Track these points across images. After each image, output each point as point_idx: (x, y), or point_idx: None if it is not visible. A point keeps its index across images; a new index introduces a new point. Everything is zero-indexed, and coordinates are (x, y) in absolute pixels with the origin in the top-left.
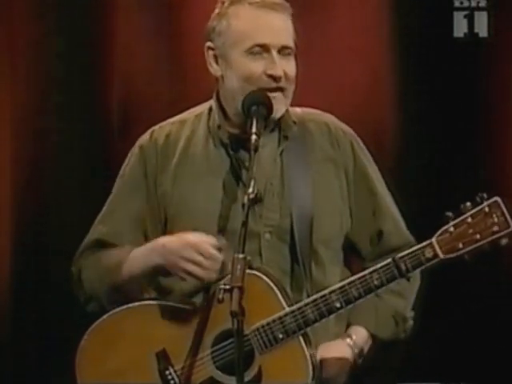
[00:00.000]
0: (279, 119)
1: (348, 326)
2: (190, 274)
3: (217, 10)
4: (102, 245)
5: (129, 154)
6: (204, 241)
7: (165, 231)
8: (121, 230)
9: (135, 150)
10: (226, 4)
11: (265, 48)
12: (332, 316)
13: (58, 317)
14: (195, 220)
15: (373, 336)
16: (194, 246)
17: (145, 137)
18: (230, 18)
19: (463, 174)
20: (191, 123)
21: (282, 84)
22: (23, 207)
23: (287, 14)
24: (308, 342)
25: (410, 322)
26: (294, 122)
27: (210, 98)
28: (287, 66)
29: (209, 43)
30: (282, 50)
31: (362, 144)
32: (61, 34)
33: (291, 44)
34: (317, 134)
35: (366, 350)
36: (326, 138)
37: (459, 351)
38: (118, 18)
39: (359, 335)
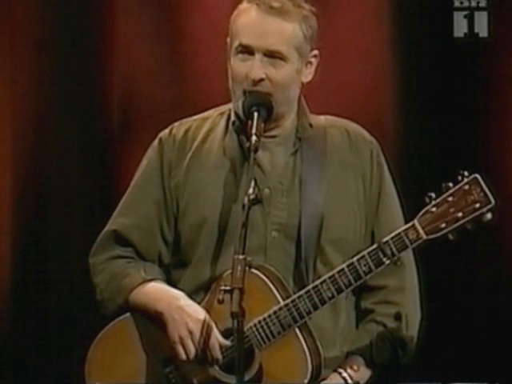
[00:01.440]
0: (298, 120)
1: (346, 355)
2: (182, 344)
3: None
4: (118, 239)
5: (148, 149)
6: (216, 337)
7: (176, 226)
8: (138, 222)
9: (154, 143)
10: (243, 3)
11: (249, 49)
12: (325, 306)
13: (58, 317)
14: (204, 212)
15: (370, 362)
16: (209, 328)
17: (165, 131)
18: (235, 18)
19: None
20: (212, 120)
21: (265, 88)
22: (23, 207)
23: (293, 20)
24: (306, 332)
25: (412, 345)
26: (311, 125)
27: (210, 98)
28: (274, 72)
29: (228, 39)
30: (269, 53)
31: (381, 154)
32: (61, 34)
33: (282, 49)
34: (336, 139)
35: (363, 382)
36: (346, 144)
37: (459, 351)
38: (118, 19)
39: (355, 367)
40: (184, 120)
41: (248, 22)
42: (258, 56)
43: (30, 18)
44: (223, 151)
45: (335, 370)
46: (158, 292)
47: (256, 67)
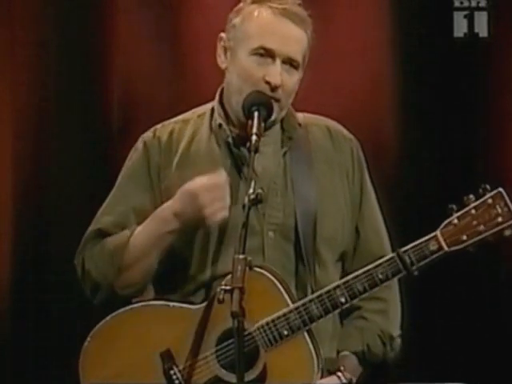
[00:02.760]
0: (282, 120)
1: (337, 352)
2: (216, 214)
3: (240, 5)
4: (103, 235)
5: (131, 151)
6: (213, 178)
7: None
8: (123, 222)
9: (138, 145)
10: (248, 1)
11: (270, 53)
12: (337, 311)
13: (58, 317)
14: None
15: (362, 359)
16: (210, 186)
17: (148, 134)
18: (246, 15)
19: (463, 175)
20: (194, 123)
21: (278, 95)
22: (24, 207)
23: (305, 29)
24: (313, 337)
25: (398, 341)
26: (299, 125)
27: (210, 98)
28: (288, 79)
29: (222, 34)
30: (288, 61)
31: (361, 151)
32: (61, 35)
33: (299, 58)
34: (318, 137)
35: (355, 379)
36: (328, 141)
37: (459, 351)
38: (118, 18)
39: (348, 365)
40: (166, 122)
41: (267, 23)
42: (278, 62)
43: (30, 18)
44: (210, 153)
45: (328, 369)
46: (154, 221)
47: (278, 73)
